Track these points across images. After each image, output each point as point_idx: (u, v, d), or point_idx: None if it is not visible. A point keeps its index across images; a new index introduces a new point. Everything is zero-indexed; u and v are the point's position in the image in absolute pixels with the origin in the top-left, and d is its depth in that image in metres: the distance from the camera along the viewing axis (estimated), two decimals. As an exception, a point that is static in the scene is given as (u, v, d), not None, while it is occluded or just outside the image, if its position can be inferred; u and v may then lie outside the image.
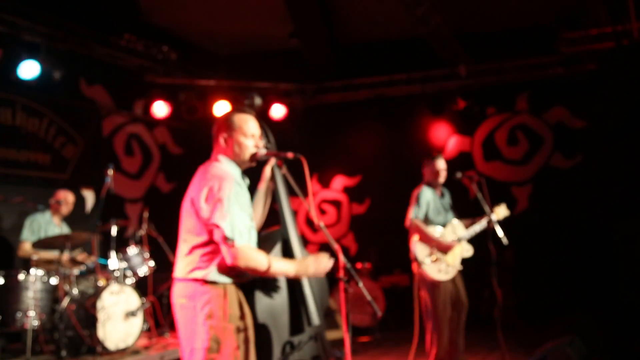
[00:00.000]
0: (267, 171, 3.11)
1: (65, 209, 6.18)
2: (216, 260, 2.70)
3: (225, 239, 2.62)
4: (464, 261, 5.07)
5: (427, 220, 5.03)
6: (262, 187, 3.13)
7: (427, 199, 5.03)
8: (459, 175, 5.18)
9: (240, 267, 2.65)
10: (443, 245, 4.91)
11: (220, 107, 7.82)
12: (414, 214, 4.98)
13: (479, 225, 5.03)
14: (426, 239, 4.93)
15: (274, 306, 2.81)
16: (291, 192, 3.09)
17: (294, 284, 2.86)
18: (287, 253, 2.91)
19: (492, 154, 8.70)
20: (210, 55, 9.07)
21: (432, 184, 5.14)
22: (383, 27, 8.26)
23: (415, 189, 5.14)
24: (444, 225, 5.08)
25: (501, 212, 5.10)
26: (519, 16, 7.83)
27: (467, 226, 5.12)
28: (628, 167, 7.17)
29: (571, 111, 8.28)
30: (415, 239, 4.97)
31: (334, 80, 8.74)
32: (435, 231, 5.02)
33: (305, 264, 2.82)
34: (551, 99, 8.37)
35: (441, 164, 5.12)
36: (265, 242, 2.87)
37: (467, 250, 5.06)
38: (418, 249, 4.93)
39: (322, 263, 2.83)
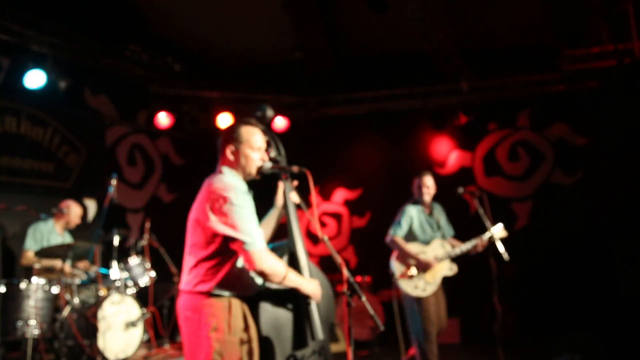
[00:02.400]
0: (279, 199, 3.18)
1: (70, 220, 6.18)
2: (221, 272, 2.72)
3: (244, 245, 2.65)
4: (466, 276, 5.09)
5: (411, 237, 5.08)
6: (273, 213, 3.20)
7: (410, 216, 5.09)
8: (460, 190, 5.22)
9: (264, 271, 2.67)
10: (421, 262, 4.94)
11: (224, 120, 7.87)
12: (393, 231, 5.06)
13: (465, 246, 5.04)
14: (404, 256, 4.99)
15: (278, 319, 2.82)
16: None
17: (300, 298, 2.87)
18: (294, 265, 2.93)
19: (493, 170, 8.73)
20: (213, 67, 9.13)
21: (418, 201, 5.20)
22: (386, 41, 8.32)
23: (402, 205, 5.21)
24: (428, 242, 5.10)
25: (498, 232, 5.10)
26: (521, 33, 7.89)
27: (455, 245, 5.12)
28: (629, 185, 7.21)
29: (572, 128, 8.32)
30: (393, 255, 5.06)
31: (336, 93, 8.79)
32: (415, 248, 5.04)
33: (310, 282, 2.86)
34: (553, 115, 8.41)
35: (427, 181, 5.16)
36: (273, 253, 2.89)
37: (451, 269, 5.06)
38: (395, 265, 5.02)
39: (320, 293, 2.91)
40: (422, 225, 5.13)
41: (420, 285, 4.93)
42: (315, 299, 2.88)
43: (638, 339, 6.18)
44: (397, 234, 5.04)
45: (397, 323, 5.05)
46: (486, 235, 5.03)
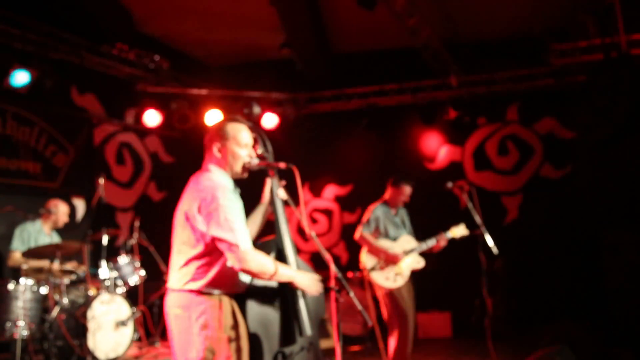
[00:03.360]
0: (266, 194, 3.16)
1: (57, 219, 6.14)
2: (212, 271, 2.71)
3: (230, 245, 2.63)
4: (455, 270, 5.16)
5: (379, 234, 5.36)
6: (260, 208, 3.17)
7: (377, 216, 5.38)
8: (449, 185, 5.29)
9: (251, 270, 2.66)
10: (390, 256, 5.19)
11: (212, 116, 7.83)
12: (362, 230, 5.37)
13: (430, 241, 5.27)
14: (374, 251, 5.27)
15: (265, 316, 2.81)
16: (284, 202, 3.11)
17: (287, 294, 2.86)
18: (282, 262, 2.91)
19: (483, 164, 8.76)
20: (202, 65, 9.09)
21: (388, 204, 5.45)
22: (375, 37, 8.31)
23: (371, 204, 5.48)
24: (395, 239, 5.34)
25: (458, 231, 5.34)
26: (509, 28, 7.90)
27: (419, 243, 5.37)
28: (617, 178, 7.25)
29: (561, 122, 8.36)
30: (364, 251, 5.33)
31: (325, 89, 8.78)
32: (384, 244, 5.30)
33: (304, 275, 2.85)
34: (541, 109, 8.44)
35: (408, 191, 5.43)
36: (260, 250, 2.88)
37: (418, 262, 5.30)
38: (366, 258, 5.29)
39: (315, 285, 2.89)
40: (388, 224, 5.38)
41: (390, 277, 5.16)
42: (310, 291, 2.87)
43: (626, 330, 6.22)
44: (365, 231, 5.34)
45: (372, 314, 5.29)
46: (448, 234, 5.28)
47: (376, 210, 5.40)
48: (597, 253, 7.15)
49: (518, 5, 7.35)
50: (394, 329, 5.15)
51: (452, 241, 5.34)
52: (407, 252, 5.23)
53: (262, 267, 2.69)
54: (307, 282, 2.86)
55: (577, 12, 6.97)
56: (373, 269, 5.21)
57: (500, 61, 8.11)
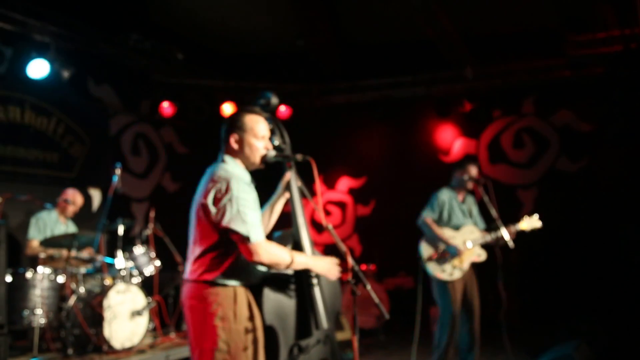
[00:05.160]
0: (284, 180, 3.11)
1: (72, 209, 6.22)
2: (227, 262, 2.71)
3: (242, 237, 2.64)
4: (471, 264, 5.09)
5: (442, 221, 5.12)
6: (277, 195, 3.13)
7: (442, 200, 5.14)
8: (465, 177, 5.22)
9: (263, 262, 2.66)
10: (450, 246, 4.99)
11: (227, 108, 7.85)
12: (425, 213, 5.12)
13: (492, 235, 5.05)
14: (433, 239, 5.04)
15: (282, 308, 2.81)
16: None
17: (304, 287, 2.86)
18: (298, 254, 2.91)
19: (498, 157, 8.70)
20: (217, 56, 9.09)
21: (454, 187, 5.24)
22: (389, 28, 8.25)
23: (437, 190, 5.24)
24: (458, 228, 5.13)
25: (530, 223, 5.10)
26: (526, 19, 7.82)
27: (483, 234, 5.15)
28: (634, 171, 7.17)
29: (578, 114, 8.27)
30: (423, 238, 5.12)
31: (340, 81, 8.75)
32: (446, 233, 5.08)
33: (321, 260, 2.85)
34: (558, 102, 8.36)
35: (473, 171, 5.20)
36: (277, 243, 2.88)
37: (479, 255, 5.11)
38: (423, 247, 5.07)
39: (334, 269, 2.88)
40: (453, 210, 5.16)
41: (447, 269, 4.98)
42: (330, 276, 2.86)
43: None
44: (429, 216, 5.10)
45: (418, 308, 5.10)
46: (517, 226, 5.04)
47: (441, 195, 5.16)
48: (614, 247, 7.10)
49: (535, -4, 7.27)
50: (437, 322, 5.07)
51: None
52: (469, 245, 5.03)
53: (275, 257, 2.69)
54: (325, 266, 2.85)
55: (596, 2, 6.87)
56: (430, 259, 5.01)
57: (516, 53, 8.04)
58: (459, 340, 5.05)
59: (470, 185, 5.20)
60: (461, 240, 5.06)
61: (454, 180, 5.29)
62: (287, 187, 3.09)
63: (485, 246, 5.13)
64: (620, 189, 7.32)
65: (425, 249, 5.07)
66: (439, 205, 5.13)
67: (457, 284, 4.98)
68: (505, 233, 4.97)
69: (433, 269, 5.01)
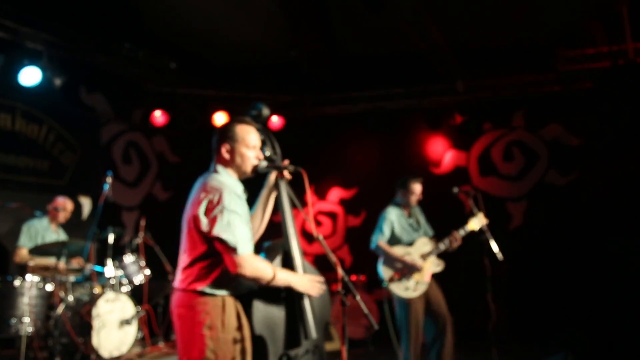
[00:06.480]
0: (271, 178, 3.11)
1: (63, 216, 6.20)
2: (216, 272, 2.72)
3: (228, 248, 2.65)
4: (460, 276, 5.12)
5: (395, 240, 5.16)
6: (264, 193, 3.12)
7: (391, 220, 5.18)
8: (455, 190, 5.26)
9: (245, 275, 2.66)
10: (407, 264, 5.01)
11: (219, 118, 7.87)
12: (375, 238, 5.14)
13: (446, 241, 5.09)
14: (391, 261, 5.07)
15: (271, 318, 2.82)
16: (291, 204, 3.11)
17: (293, 297, 2.87)
18: (288, 265, 2.93)
19: (488, 170, 8.75)
20: (209, 66, 9.11)
21: (399, 204, 5.28)
22: (382, 41, 8.32)
23: (383, 210, 5.27)
24: (411, 243, 5.17)
25: (477, 222, 5.14)
26: (516, 34, 7.91)
27: (436, 243, 5.18)
28: (623, 185, 7.25)
29: (567, 128, 8.34)
30: (380, 261, 5.13)
31: (332, 92, 8.79)
32: (400, 250, 5.11)
33: (302, 278, 2.86)
34: (547, 116, 8.43)
35: (417, 189, 5.26)
36: (266, 253, 2.89)
37: (437, 265, 5.14)
38: (382, 270, 5.08)
39: (315, 287, 2.89)
40: (403, 227, 5.22)
41: (410, 286, 5.00)
42: (310, 293, 2.87)
43: (631, 338, 6.21)
44: (380, 238, 5.12)
45: (390, 325, 5.09)
46: (466, 228, 5.09)
47: (389, 214, 5.20)
48: (602, 260, 7.15)
49: (526, 11, 7.36)
50: (401, 338, 5.06)
51: (460, 245, 5.15)
52: (424, 256, 5.06)
53: (257, 272, 2.69)
54: (306, 284, 2.86)
55: (585, 19, 6.98)
56: (391, 280, 5.02)
57: (507, 67, 8.12)
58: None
59: (414, 202, 5.24)
60: (417, 254, 5.09)
61: (398, 198, 5.32)
62: (275, 186, 3.09)
63: (460, 257, 5.17)
64: (608, 203, 7.39)
65: (385, 271, 5.08)
66: (388, 226, 5.16)
67: (418, 302, 5.00)
68: (449, 241, 5.04)
69: (396, 289, 5.02)
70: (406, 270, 5.01)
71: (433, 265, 5.11)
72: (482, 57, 8.28)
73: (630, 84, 6.66)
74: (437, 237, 5.28)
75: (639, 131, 7.06)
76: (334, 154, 9.23)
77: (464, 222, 5.32)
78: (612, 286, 7.00)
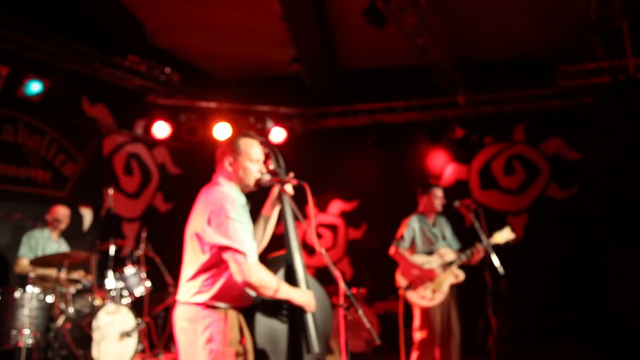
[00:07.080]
0: (275, 191, 3.11)
1: (62, 225, 6.19)
2: (218, 284, 2.72)
3: (237, 256, 2.64)
4: (459, 289, 5.11)
5: (414, 249, 5.18)
6: (267, 206, 3.12)
7: (413, 228, 5.22)
8: (456, 203, 5.26)
9: (252, 284, 2.65)
10: (425, 272, 5.04)
11: (221, 130, 7.89)
12: (396, 244, 5.18)
13: (467, 253, 5.09)
14: (407, 268, 5.10)
15: (274, 332, 2.82)
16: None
17: (296, 311, 2.87)
18: (291, 278, 2.93)
19: (489, 183, 8.76)
20: (212, 78, 9.15)
21: (425, 213, 5.28)
22: (384, 54, 8.37)
23: (405, 218, 5.30)
24: (431, 253, 5.18)
25: (503, 236, 5.13)
26: (517, 48, 7.96)
27: (458, 254, 5.18)
28: (623, 199, 7.25)
29: (567, 143, 8.37)
30: (399, 269, 5.18)
31: (333, 105, 8.82)
32: (420, 259, 5.13)
33: (302, 293, 2.86)
34: (548, 130, 8.46)
35: (439, 192, 5.25)
36: (269, 266, 2.89)
37: (457, 276, 5.14)
38: (400, 278, 5.14)
39: (314, 303, 2.90)
40: (425, 236, 5.23)
41: (427, 295, 5.02)
42: (309, 309, 2.87)
43: (630, 353, 6.19)
44: (400, 246, 5.16)
45: (401, 333, 5.10)
46: (491, 240, 5.07)
47: (412, 223, 5.24)
48: (602, 274, 7.14)
49: (527, 26, 7.41)
50: (415, 347, 5.07)
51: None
52: (444, 266, 5.07)
53: (264, 282, 2.69)
54: (306, 299, 2.86)
55: (586, 34, 7.01)
56: (408, 287, 5.05)
57: (508, 81, 8.15)
58: None
59: (439, 206, 5.25)
60: (437, 263, 5.11)
61: (421, 206, 5.36)
62: (279, 199, 3.09)
63: (464, 267, 5.16)
64: (608, 217, 7.39)
65: (402, 279, 5.13)
66: (409, 233, 5.20)
67: (436, 310, 5.01)
68: (471, 252, 5.03)
69: (413, 297, 5.06)
70: (423, 278, 5.02)
71: (452, 276, 5.11)
72: (484, 71, 8.32)
73: (630, 99, 6.68)
74: (462, 251, 5.25)
75: (639, 146, 7.08)
76: (335, 167, 9.24)
77: (464, 235, 5.33)
78: (611, 300, 6.98)
